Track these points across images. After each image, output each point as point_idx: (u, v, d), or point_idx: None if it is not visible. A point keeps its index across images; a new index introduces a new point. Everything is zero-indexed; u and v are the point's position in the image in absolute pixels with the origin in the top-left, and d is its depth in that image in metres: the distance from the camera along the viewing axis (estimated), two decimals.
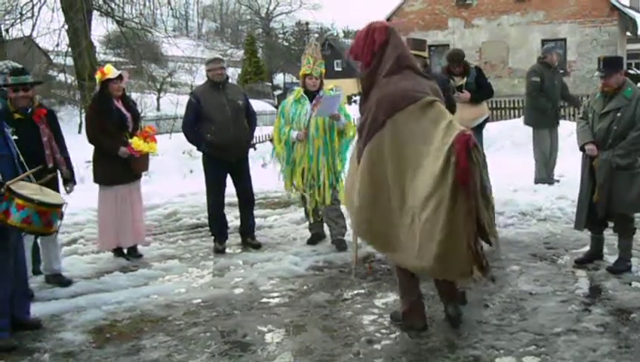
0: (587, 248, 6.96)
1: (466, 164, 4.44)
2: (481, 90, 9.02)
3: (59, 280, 6.71)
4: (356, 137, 5.55)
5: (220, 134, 7.63)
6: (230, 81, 8.58)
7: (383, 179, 4.91)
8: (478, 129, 8.83)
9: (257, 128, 8.93)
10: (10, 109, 6.17)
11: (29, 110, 6.29)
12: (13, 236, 5.30)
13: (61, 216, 5.35)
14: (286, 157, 7.70)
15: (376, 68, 5.08)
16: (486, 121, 9.18)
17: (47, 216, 5.17)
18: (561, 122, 11.40)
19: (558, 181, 10.82)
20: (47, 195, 5.31)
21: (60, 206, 5.31)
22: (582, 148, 6.56)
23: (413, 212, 4.74)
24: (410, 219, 4.77)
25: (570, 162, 10.92)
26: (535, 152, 10.94)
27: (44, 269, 6.77)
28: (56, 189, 6.31)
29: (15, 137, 5.51)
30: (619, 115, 6.27)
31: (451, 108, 7.77)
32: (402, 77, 5.00)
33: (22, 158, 5.40)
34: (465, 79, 8.94)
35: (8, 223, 5.02)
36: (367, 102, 5.12)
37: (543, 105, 10.73)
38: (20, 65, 6.42)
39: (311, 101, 7.54)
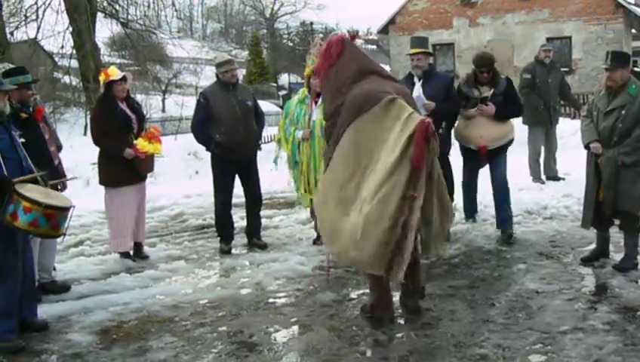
0: (593, 246, 6.95)
1: (423, 149, 4.72)
2: (509, 105, 7.76)
3: (55, 286, 6.56)
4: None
5: (229, 135, 7.64)
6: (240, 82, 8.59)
7: (345, 176, 5.12)
8: (501, 151, 7.78)
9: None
10: (16, 110, 6.13)
11: (31, 108, 6.28)
12: (20, 238, 5.32)
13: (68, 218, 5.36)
14: (292, 159, 7.72)
15: (334, 77, 5.37)
16: (510, 142, 7.87)
17: (55, 218, 5.18)
18: (566, 120, 11.37)
19: (563, 179, 10.84)
20: (53, 198, 5.32)
21: (67, 209, 5.32)
22: (587, 147, 6.54)
23: (363, 200, 4.92)
24: (359, 210, 4.94)
25: (575, 160, 10.89)
26: (528, 150, 10.97)
27: (39, 276, 6.40)
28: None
29: (22, 140, 5.51)
30: (623, 112, 6.24)
31: (452, 114, 7.65)
32: (367, 81, 5.27)
33: (29, 161, 5.41)
34: (492, 90, 7.71)
35: (16, 226, 5.04)
36: (331, 108, 5.40)
37: (534, 102, 10.75)
38: (16, 66, 6.40)
39: (316, 101, 7.53)
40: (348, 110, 5.15)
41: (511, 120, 7.85)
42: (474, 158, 7.80)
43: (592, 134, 6.47)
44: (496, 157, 7.73)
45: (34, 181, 5.34)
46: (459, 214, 7.93)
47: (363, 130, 5.06)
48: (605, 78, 6.44)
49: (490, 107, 7.60)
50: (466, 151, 7.89)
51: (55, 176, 6.16)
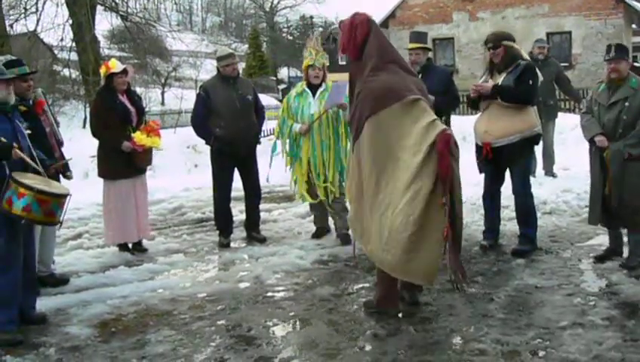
0: (593, 241, 6.93)
1: (449, 160, 4.67)
2: (514, 87, 6.61)
3: (54, 279, 6.56)
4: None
5: (228, 128, 7.62)
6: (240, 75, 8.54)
7: (365, 174, 5.06)
8: (519, 155, 6.81)
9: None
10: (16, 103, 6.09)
11: (31, 101, 6.26)
12: (23, 228, 5.32)
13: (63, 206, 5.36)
14: (291, 153, 7.69)
15: (361, 61, 5.20)
16: (535, 138, 6.86)
17: (48, 204, 5.17)
18: (566, 115, 11.27)
19: (555, 176, 10.81)
20: (50, 186, 5.32)
21: (60, 196, 5.30)
22: (591, 141, 6.40)
23: (388, 203, 4.89)
24: (382, 212, 4.93)
25: (574, 155, 10.90)
26: None
27: (37, 269, 6.30)
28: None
29: (29, 131, 5.51)
30: (627, 104, 6.14)
31: (450, 107, 7.55)
32: (387, 73, 5.12)
33: (33, 152, 5.41)
34: (504, 76, 6.71)
35: (13, 212, 5.04)
36: (354, 96, 5.25)
37: None
38: (13, 57, 6.37)
39: (314, 94, 7.52)
40: (365, 103, 5.02)
41: (532, 116, 6.75)
42: (488, 160, 6.84)
43: (595, 127, 6.32)
44: (513, 162, 6.86)
45: (35, 171, 5.34)
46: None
47: (382, 126, 4.95)
48: (609, 70, 6.27)
49: (484, 84, 6.70)
50: (479, 150, 6.95)
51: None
